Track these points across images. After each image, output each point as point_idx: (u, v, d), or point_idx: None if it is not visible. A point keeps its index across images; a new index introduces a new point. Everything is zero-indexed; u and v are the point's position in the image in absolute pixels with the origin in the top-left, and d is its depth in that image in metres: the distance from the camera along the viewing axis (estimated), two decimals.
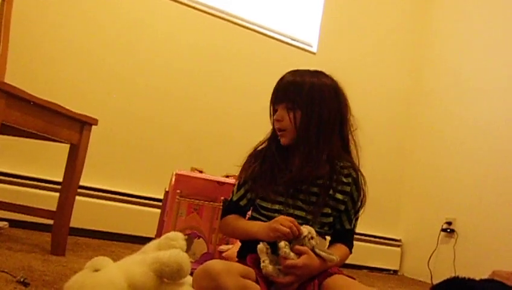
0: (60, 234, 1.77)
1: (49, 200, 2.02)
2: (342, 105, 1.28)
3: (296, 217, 1.18)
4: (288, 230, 1.09)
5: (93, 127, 1.88)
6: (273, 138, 1.32)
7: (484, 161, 3.01)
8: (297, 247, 1.09)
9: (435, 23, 3.69)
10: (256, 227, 1.18)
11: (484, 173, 2.99)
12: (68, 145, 1.84)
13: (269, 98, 1.31)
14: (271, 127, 1.34)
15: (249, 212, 1.32)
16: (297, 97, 1.23)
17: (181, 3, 2.82)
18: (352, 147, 1.31)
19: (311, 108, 1.22)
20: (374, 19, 3.54)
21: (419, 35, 3.73)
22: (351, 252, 1.29)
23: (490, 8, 3.27)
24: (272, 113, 1.31)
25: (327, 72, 1.31)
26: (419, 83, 3.67)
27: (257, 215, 1.25)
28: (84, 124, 1.83)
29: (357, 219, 1.30)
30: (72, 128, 1.79)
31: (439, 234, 3.15)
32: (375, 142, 3.37)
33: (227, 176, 1.96)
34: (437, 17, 3.69)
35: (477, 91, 3.19)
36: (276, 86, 1.30)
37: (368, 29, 3.51)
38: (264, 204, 1.24)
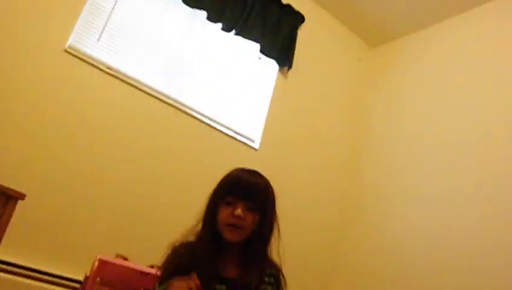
0: None
1: None
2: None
3: None
4: None
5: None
6: (209, 232, 1.28)
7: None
8: None
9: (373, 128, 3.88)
10: None
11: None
12: None
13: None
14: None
15: None
16: (262, 202, 1.28)
17: (126, 82, 2.83)
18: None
19: (268, 215, 1.29)
20: (313, 122, 3.73)
21: (358, 138, 3.87)
22: None
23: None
24: (217, 204, 1.29)
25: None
26: (355, 183, 3.71)
27: None
28: (9, 197, 1.77)
29: None
30: None
31: None
32: (305, 245, 3.39)
33: (152, 266, 1.91)
34: (374, 122, 3.86)
35: (419, 202, 3.18)
36: (233, 180, 1.31)
37: (307, 132, 3.67)
38: None
